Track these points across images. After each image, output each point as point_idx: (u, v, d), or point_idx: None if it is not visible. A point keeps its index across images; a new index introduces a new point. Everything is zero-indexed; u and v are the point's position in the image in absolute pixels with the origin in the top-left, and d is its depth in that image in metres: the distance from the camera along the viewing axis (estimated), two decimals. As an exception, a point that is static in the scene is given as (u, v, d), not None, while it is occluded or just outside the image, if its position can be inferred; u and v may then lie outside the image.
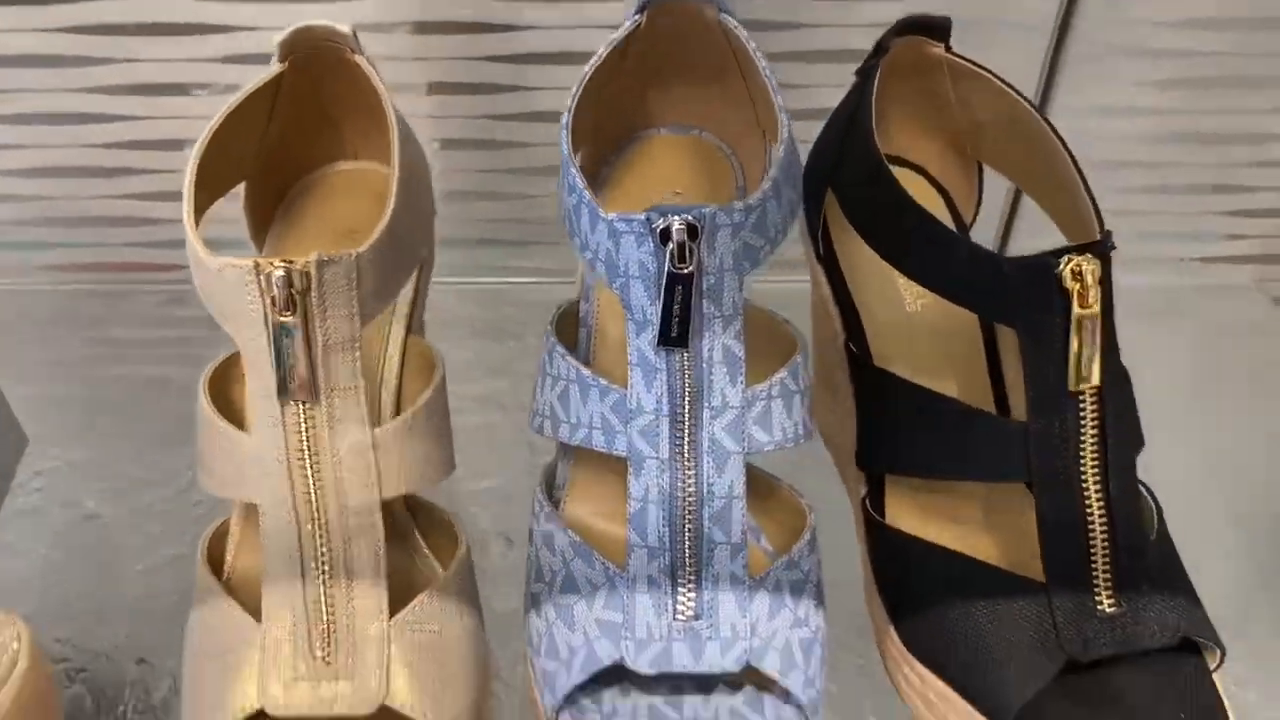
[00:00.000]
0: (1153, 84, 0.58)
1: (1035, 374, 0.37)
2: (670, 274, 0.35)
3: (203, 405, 0.39)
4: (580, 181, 0.37)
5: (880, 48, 0.44)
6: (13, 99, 0.57)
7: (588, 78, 0.40)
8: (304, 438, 0.35)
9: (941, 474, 0.41)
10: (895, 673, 0.41)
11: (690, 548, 0.37)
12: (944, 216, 0.48)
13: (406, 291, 0.46)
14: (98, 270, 0.63)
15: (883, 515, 0.43)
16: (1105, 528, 0.37)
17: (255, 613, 0.37)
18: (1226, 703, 0.38)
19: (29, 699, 0.37)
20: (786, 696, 0.38)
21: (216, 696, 0.36)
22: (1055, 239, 0.41)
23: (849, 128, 0.43)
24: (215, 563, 0.40)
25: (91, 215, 0.61)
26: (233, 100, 0.39)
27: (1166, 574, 0.39)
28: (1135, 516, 0.38)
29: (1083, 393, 0.37)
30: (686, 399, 0.36)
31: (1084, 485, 0.37)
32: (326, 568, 0.36)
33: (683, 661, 0.36)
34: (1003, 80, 0.43)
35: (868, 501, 0.43)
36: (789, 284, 0.51)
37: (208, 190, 0.39)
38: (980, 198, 0.48)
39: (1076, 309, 0.35)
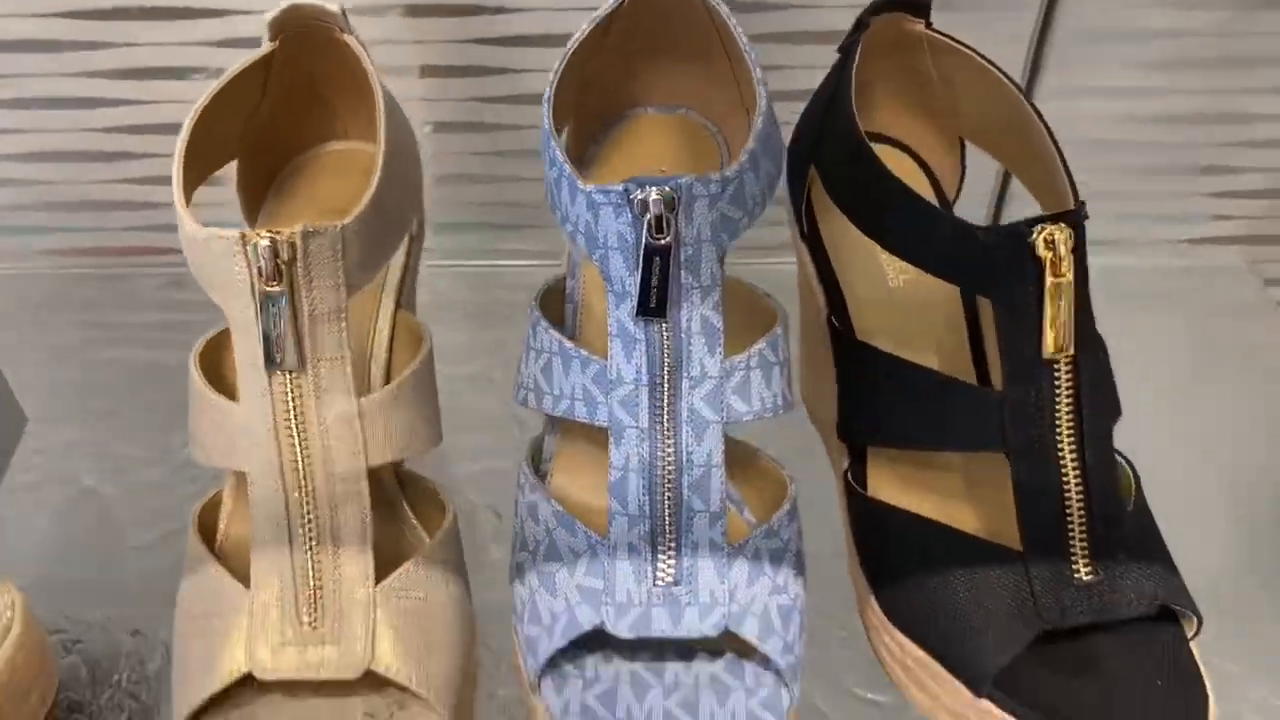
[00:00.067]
0: (1139, 65, 0.58)
1: (1010, 343, 0.37)
2: (648, 245, 0.35)
3: (194, 378, 0.39)
4: (560, 155, 0.37)
5: (860, 24, 0.44)
6: (11, 84, 0.58)
7: (570, 54, 0.40)
8: (291, 407, 0.36)
9: (920, 444, 0.42)
10: (876, 642, 0.42)
11: (670, 515, 0.37)
12: (927, 193, 0.49)
13: (396, 266, 0.46)
14: (96, 254, 0.64)
15: (865, 488, 0.44)
16: (1081, 496, 0.38)
17: (246, 580, 0.38)
18: (1203, 670, 0.38)
19: (22, 664, 0.38)
20: (766, 663, 0.38)
21: (205, 661, 0.37)
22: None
23: (830, 105, 0.44)
24: (207, 533, 0.41)
25: (90, 200, 0.62)
26: (222, 78, 0.40)
27: (1144, 543, 0.40)
28: (1112, 485, 0.39)
29: (1057, 362, 0.37)
30: (666, 369, 0.37)
31: (1060, 454, 0.38)
32: (313, 534, 0.37)
33: (662, 626, 0.37)
34: (983, 56, 0.43)
35: (849, 474, 0.44)
36: (784, 265, 0.51)
37: (198, 167, 0.40)
38: (963, 173, 0.48)
39: (1049, 278, 0.36)
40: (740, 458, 0.43)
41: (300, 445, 0.36)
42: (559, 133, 0.44)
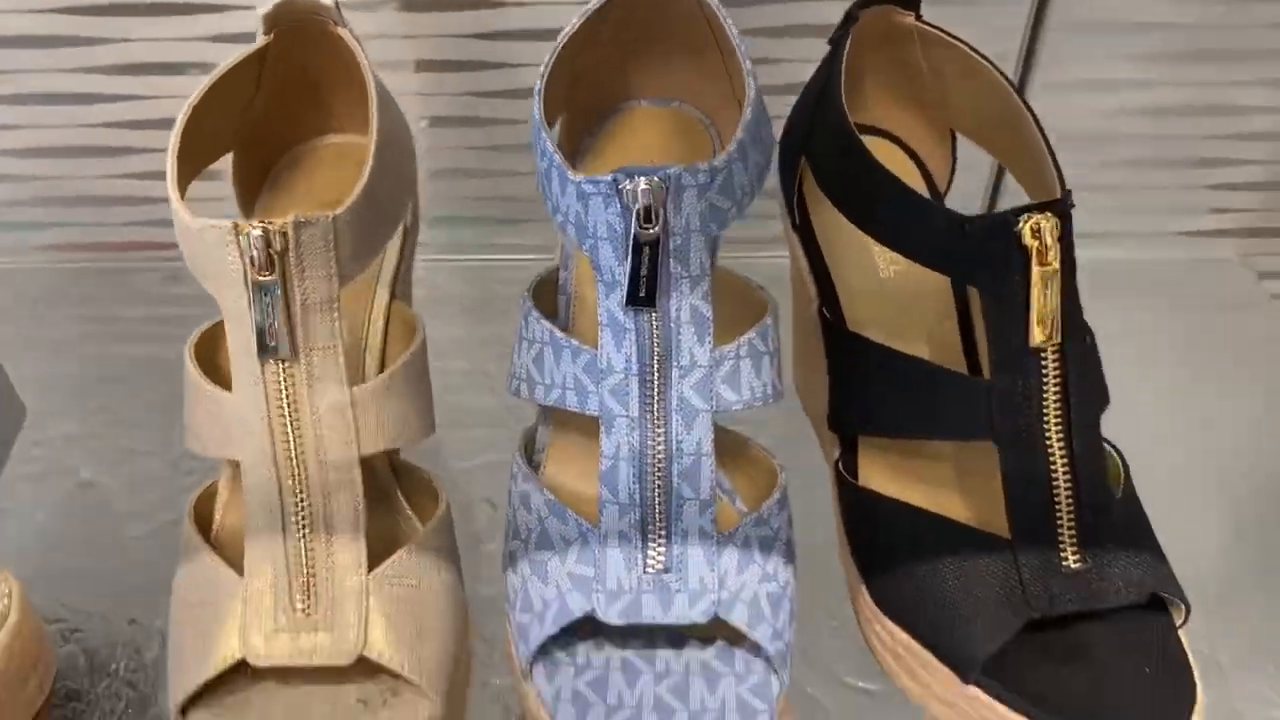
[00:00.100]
0: (1133, 57, 0.59)
1: (997, 332, 0.38)
2: (637, 235, 0.35)
3: (189, 368, 0.40)
4: (551, 146, 0.37)
5: (849, 17, 0.44)
6: (9, 79, 0.58)
7: (560, 47, 0.41)
8: (284, 395, 0.36)
9: (909, 434, 0.42)
10: (867, 630, 0.42)
11: (660, 503, 0.38)
12: (919, 184, 0.49)
13: (391, 258, 0.47)
14: (95, 249, 0.64)
15: (856, 477, 0.44)
16: (1069, 485, 0.38)
17: (240, 568, 0.38)
18: (1191, 659, 0.39)
19: (19, 652, 0.38)
20: (757, 650, 0.39)
21: (200, 648, 0.37)
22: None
23: (820, 98, 0.44)
24: (203, 522, 0.42)
25: (88, 195, 0.62)
26: (216, 71, 0.41)
27: (1133, 531, 0.40)
28: (1100, 474, 0.39)
29: (1044, 350, 0.37)
30: (655, 358, 0.37)
31: (1047, 442, 0.38)
32: (306, 522, 0.37)
33: (651, 613, 0.37)
34: (972, 48, 0.43)
35: (840, 464, 0.44)
36: (779, 259, 0.52)
37: (192, 160, 0.40)
38: (954, 165, 0.49)
39: (1036, 267, 0.36)
40: (731, 448, 0.43)
41: (293, 434, 0.36)
42: (552, 125, 0.44)
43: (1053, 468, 0.38)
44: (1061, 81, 0.59)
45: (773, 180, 0.49)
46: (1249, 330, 0.62)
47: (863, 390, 0.43)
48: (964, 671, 0.38)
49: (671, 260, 0.36)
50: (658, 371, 0.37)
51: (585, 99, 0.47)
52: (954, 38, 0.44)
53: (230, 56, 0.41)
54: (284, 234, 0.34)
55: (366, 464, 0.41)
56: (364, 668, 0.37)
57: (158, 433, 0.53)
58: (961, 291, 0.47)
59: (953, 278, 0.41)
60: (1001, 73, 0.42)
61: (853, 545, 0.43)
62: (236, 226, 0.34)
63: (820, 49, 0.47)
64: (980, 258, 0.37)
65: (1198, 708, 0.37)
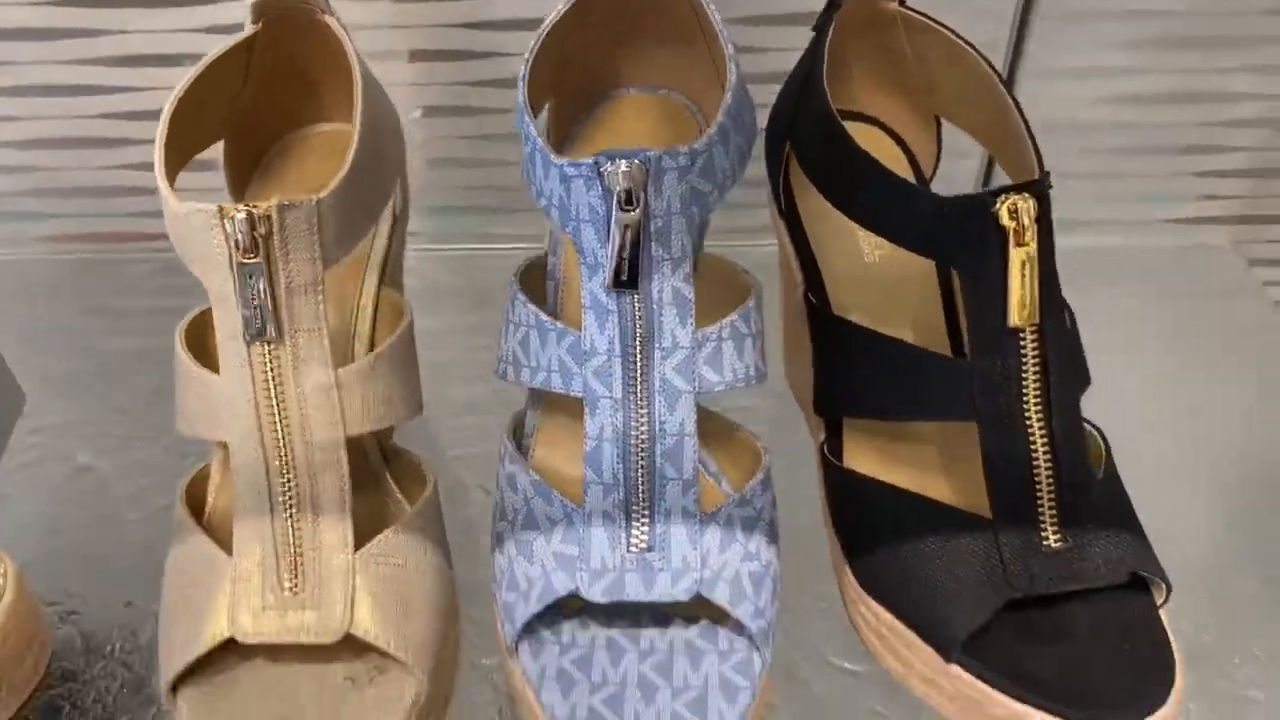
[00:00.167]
0: (1123, 44, 0.59)
1: (976, 313, 0.38)
2: (618, 217, 0.36)
3: (179, 353, 0.40)
4: (534, 130, 0.38)
5: (833, 4, 0.45)
6: (8, 71, 0.59)
7: (545, 34, 0.41)
8: (270, 377, 0.37)
9: (893, 415, 0.42)
10: (852, 611, 0.43)
11: (643, 483, 0.38)
12: (905, 170, 0.49)
13: (380, 244, 0.47)
14: (92, 240, 0.65)
15: (841, 460, 0.44)
16: (1050, 464, 0.38)
17: (231, 549, 0.38)
18: (1173, 638, 0.39)
19: (14, 631, 0.39)
20: (740, 629, 0.39)
21: (190, 626, 0.38)
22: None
23: (804, 84, 0.44)
24: (197, 505, 0.42)
25: (86, 186, 0.63)
26: (204, 60, 0.41)
27: (1114, 511, 0.40)
28: (1080, 453, 0.39)
29: (1023, 331, 0.38)
30: (638, 340, 0.38)
31: (1027, 422, 0.38)
32: (293, 502, 0.37)
33: (635, 591, 0.38)
34: (955, 33, 0.44)
35: (825, 446, 0.45)
36: (770, 247, 0.52)
37: (182, 147, 0.41)
38: (940, 150, 0.49)
39: (1013, 248, 0.36)
40: (718, 431, 0.44)
41: (279, 415, 0.37)
42: (539, 110, 0.45)
43: (1033, 447, 0.38)
44: (1051, 69, 0.59)
45: (762, 168, 0.49)
46: (1238, 317, 0.62)
47: (847, 373, 0.43)
48: (945, 650, 0.38)
49: (653, 243, 0.37)
50: (640, 353, 0.38)
51: (574, 85, 0.47)
52: (937, 23, 0.44)
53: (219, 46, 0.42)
54: (268, 217, 0.35)
55: (357, 447, 0.41)
56: (352, 646, 0.38)
57: (154, 420, 0.54)
58: (946, 275, 0.47)
59: (928, 256, 0.41)
60: (984, 57, 0.43)
61: (837, 527, 0.43)
62: (221, 209, 0.35)
63: (807, 37, 0.47)
64: (958, 239, 0.37)
65: (1177, 686, 0.37)
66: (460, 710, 0.41)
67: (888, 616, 0.40)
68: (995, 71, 0.42)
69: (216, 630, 0.37)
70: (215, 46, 0.56)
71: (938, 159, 0.49)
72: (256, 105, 0.46)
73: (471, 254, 0.65)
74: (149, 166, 0.62)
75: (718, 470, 0.44)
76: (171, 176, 0.39)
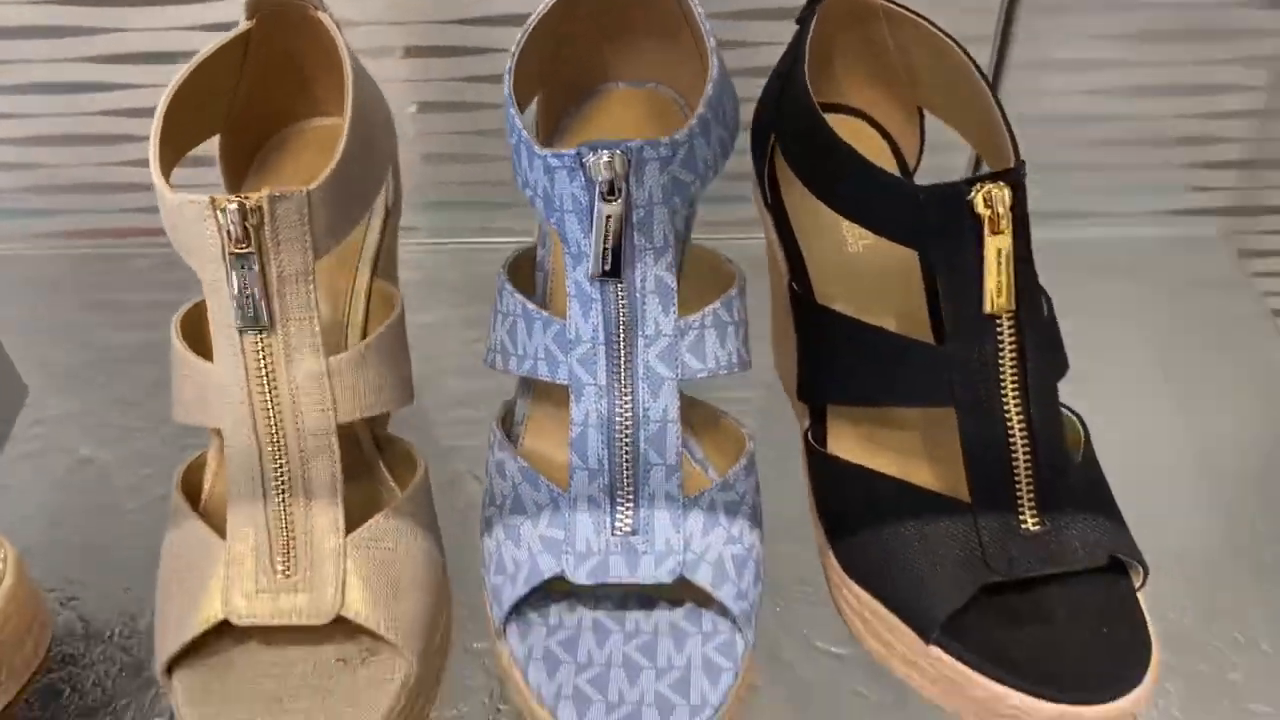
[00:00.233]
0: (1110, 36, 0.59)
1: (953, 301, 0.39)
2: (600, 207, 0.37)
3: (175, 343, 0.41)
4: (519, 122, 0.39)
5: (815, -3, 0.45)
6: (9, 69, 0.60)
7: (532, 28, 0.42)
8: (262, 365, 0.38)
9: (875, 402, 0.43)
10: (836, 595, 0.43)
11: (627, 468, 0.39)
12: (889, 162, 0.50)
13: (373, 237, 0.48)
14: (94, 235, 0.66)
15: (825, 447, 0.45)
16: (1028, 449, 0.39)
17: (225, 534, 0.39)
18: (1150, 620, 0.40)
19: (14, 614, 0.40)
20: (724, 612, 0.40)
21: (184, 609, 0.38)
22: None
23: (787, 77, 0.45)
24: (193, 492, 0.43)
25: (87, 182, 0.64)
26: (198, 55, 0.42)
27: (1092, 495, 0.41)
28: (1058, 438, 0.40)
29: (999, 318, 0.38)
30: (621, 328, 0.39)
31: (1005, 408, 0.39)
32: (286, 487, 0.38)
33: (619, 573, 0.38)
34: (936, 26, 0.44)
35: (809, 433, 0.45)
36: (758, 240, 0.53)
37: (178, 141, 0.42)
38: (923, 142, 0.49)
39: (989, 236, 0.37)
40: (704, 419, 0.45)
41: (271, 402, 0.38)
42: (528, 103, 0.46)
43: (1010, 433, 0.39)
44: (1039, 61, 0.59)
45: (749, 162, 0.50)
46: (1227, 308, 0.62)
47: (830, 361, 0.44)
48: (924, 632, 0.39)
49: (635, 232, 0.38)
50: (624, 340, 0.39)
51: (562, 79, 0.48)
52: (919, 16, 0.45)
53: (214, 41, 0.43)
54: (260, 208, 0.36)
55: (350, 436, 0.42)
56: (344, 629, 0.39)
57: (153, 411, 0.55)
58: (928, 265, 0.47)
59: (906, 245, 0.42)
60: (964, 50, 0.43)
61: (821, 512, 0.44)
62: (214, 200, 0.36)
63: (790, 31, 0.47)
64: (935, 227, 0.38)
65: (1153, 667, 0.38)
66: (453, 693, 0.42)
67: (869, 599, 0.41)
68: (974, 63, 0.43)
69: (210, 613, 0.38)
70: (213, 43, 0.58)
71: (921, 150, 0.50)
72: (251, 100, 0.47)
73: (467, 248, 0.65)
74: (148, 162, 0.64)
75: (703, 457, 0.44)
76: (167, 170, 0.40)
